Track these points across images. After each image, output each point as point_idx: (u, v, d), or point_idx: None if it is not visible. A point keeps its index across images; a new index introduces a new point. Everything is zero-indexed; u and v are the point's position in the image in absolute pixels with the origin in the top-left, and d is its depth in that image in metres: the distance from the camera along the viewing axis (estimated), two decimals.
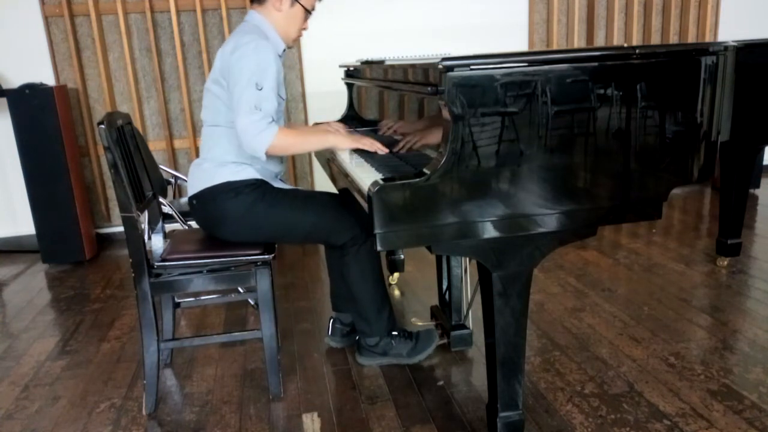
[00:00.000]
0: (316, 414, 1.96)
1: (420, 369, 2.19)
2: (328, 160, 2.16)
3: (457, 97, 1.40)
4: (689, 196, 4.41)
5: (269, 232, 2.05)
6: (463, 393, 2.02)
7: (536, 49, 4.32)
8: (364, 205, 1.48)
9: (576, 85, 1.47)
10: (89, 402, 2.12)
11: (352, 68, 2.73)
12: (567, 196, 1.52)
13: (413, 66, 1.76)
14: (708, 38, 4.47)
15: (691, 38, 4.49)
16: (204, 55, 3.86)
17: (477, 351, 2.28)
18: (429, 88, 1.47)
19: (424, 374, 2.15)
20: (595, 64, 1.48)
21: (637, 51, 1.50)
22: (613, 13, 4.33)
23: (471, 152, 1.43)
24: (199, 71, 3.94)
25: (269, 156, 1.97)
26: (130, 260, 1.92)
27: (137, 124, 3.87)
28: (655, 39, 4.49)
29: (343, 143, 2.02)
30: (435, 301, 2.54)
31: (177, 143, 4.04)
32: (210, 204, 2.04)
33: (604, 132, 1.51)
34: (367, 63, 2.46)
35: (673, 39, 4.49)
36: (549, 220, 1.52)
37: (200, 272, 1.99)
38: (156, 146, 3.96)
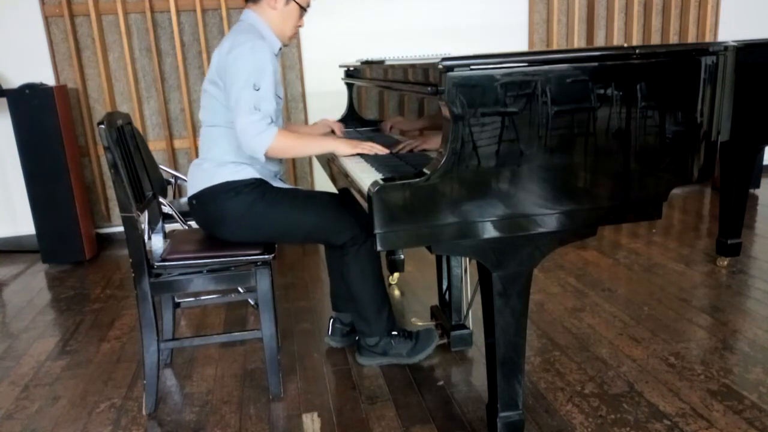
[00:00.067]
0: (316, 414, 1.96)
1: (420, 369, 2.19)
2: (329, 160, 2.15)
3: (457, 97, 1.40)
4: (689, 196, 4.41)
5: (269, 231, 2.05)
6: (463, 393, 2.02)
7: (536, 49, 4.32)
8: (364, 205, 1.48)
9: (576, 85, 1.47)
10: (89, 402, 2.12)
11: (352, 68, 2.73)
12: (567, 196, 1.52)
13: (413, 66, 1.76)
14: (708, 38, 4.47)
15: (691, 38, 4.49)
16: (204, 55, 3.86)
17: (477, 351, 2.28)
18: (429, 88, 1.47)
19: (424, 374, 2.15)
20: (595, 64, 1.48)
21: (637, 51, 1.50)
22: (613, 13, 4.33)
23: (471, 152, 1.43)
24: (199, 71, 3.94)
25: (268, 157, 1.97)
26: (130, 260, 1.92)
27: (137, 124, 3.87)
28: (655, 39, 4.49)
29: (343, 149, 2.01)
30: (435, 301, 2.54)
31: (177, 143, 4.04)
32: (210, 204, 2.04)
33: (604, 132, 1.51)
34: (367, 63, 2.46)
35: (673, 39, 4.50)
36: (549, 220, 1.52)
37: (200, 272, 1.99)
38: (156, 146, 3.96)
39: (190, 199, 2.11)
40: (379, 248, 1.45)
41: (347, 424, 1.89)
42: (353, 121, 2.69)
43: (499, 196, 1.47)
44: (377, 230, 1.42)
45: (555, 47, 4.26)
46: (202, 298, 2.60)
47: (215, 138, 2.05)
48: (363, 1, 4.05)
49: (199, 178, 2.07)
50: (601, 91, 1.49)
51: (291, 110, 4.10)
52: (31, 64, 3.73)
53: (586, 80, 1.47)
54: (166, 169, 3.23)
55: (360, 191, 1.57)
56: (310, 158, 4.18)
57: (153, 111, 4.00)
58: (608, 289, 2.81)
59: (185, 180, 2.62)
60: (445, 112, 1.43)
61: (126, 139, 2.02)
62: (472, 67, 1.40)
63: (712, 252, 3.13)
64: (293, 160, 4.17)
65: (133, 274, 1.93)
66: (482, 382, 1.93)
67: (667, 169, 1.59)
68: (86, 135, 3.91)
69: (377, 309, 2.15)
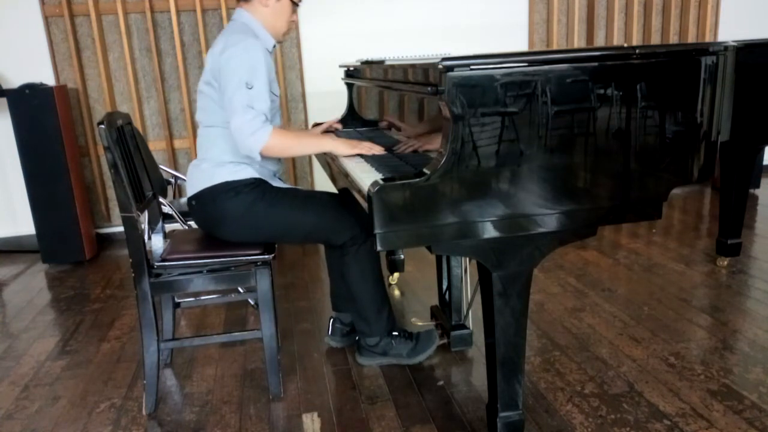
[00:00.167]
0: (316, 414, 1.96)
1: (420, 369, 2.19)
2: (328, 160, 2.15)
3: (457, 97, 1.40)
4: (689, 196, 4.42)
5: (269, 231, 2.05)
6: (463, 393, 2.02)
7: (536, 49, 4.32)
8: (364, 205, 1.48)
9: (576, 85, 1.47)
10: (89, 402, 2.12)
11: (352, 68, 2.73)
12: (567, 196, 1.52)
13: (413, 66, 1.76)
14: (708, 38, 4.47)
15: (691, 38, 4.49)
16: (204, 55, 3.86)
17: (477, 351, 2.28)
18: (429, 88, 1.47)
19: (424, 374, 2.15)
20: (595, 64, 1.48)
21: (637, 51, 1.50)
22: (613, 13, 4.33)
23: (471, 152, 1.43)
24: (199, 71, 3.94)
25: (265, 156, 1.97)
26: (130, 260, 1.92)
27: (137, 124, 3.87)
28: (655, 39, 4.49)
29: (341, 149, 2.00)
30: (435, 301, 2.54)
31: (177, 143, 4.04)
32: (210, 204, 2.04)
33: (604, 132, 1.51)
34: (367, 63, 2.46)
35: (673, 39, 4.49)
36: (549, 220, 1.52)
37: (200, 272, 1.99)
38: (156, 146, 3.96)
39: (190, 199, 2.11)
40: (379, 248, 1.44)
41: (347, 424, 1.89)
42: (353, 121, 2.69)
43: (499, 196, 1.47)
44: (377, 230, 1.42)
45: (555, 47, 4.26)
46: (202, 298, 2.60)
47: (213, 138, 2.05)
48: (363, 1, 4.05)
49: (198, 178, 2.07)
50: (601, 91, 1.49)
51: (291, 110, 4.10)
52: (31, 64, 3.73)
53: (586, 80, 1.47)
54: (166, 169, 3.23)
55: (360, 191, 1.57)
56: (310, 158, 4.18)
57: (153, 111, 4.00)
58: (608, 289, 2.81)
59: (185, 180, 2.62)
60: (445, 112, 1.43)
61: (126, 139, 2.02)
62: (472, 67, 1.40)
63: (712, 252, 3.13)
64: (293, 160, 4.17)
65: (133, 274, 1.93)
66: (482, 382, 1.93)
67: (667, 169, 1.59)
68: (86, 135, 3.91)
69: (377, 309, 2.14)
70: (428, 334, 2.23)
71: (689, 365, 2.11)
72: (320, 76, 4.03)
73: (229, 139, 1.98)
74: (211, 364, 2.33)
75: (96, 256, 3.81)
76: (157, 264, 1.97)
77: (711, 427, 1.76)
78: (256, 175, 2.05)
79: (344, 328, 2.38)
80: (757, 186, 4.39)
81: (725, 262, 3.00)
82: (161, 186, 2.87)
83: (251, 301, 2.82)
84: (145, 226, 2.17)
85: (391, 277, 3.05)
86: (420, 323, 2.44)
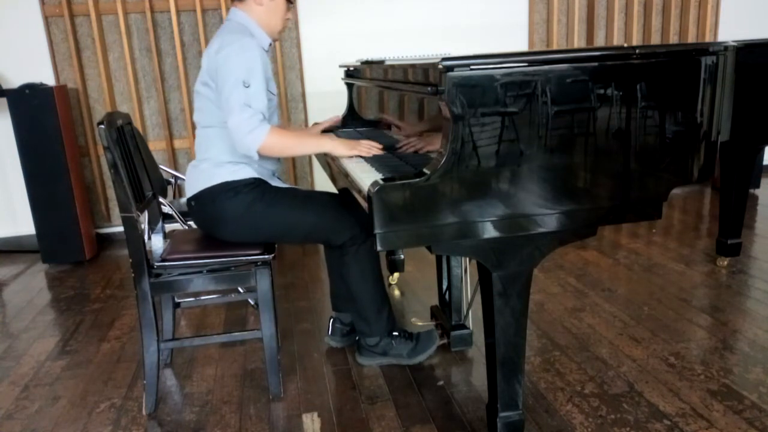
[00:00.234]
0: (316, 414, 1.96)
1: (420, 369, 2.19)
2: (328, 160, 2.15)
3: (457, 97, 1.40)
4: (689, 196, 4.42)
5: (269, 232, 2.05)
6: (463, 393, 2.02)
7: (536, 49, 4.32)
8: (364, 205, 1.48)
9: (576, 85, 1.47)
10: (89, 402, 2.12)
11: (352, 68, 2.73)
12: (567, 196, 1.52)
13: (413, 66, 1.76)
14: (708, 38, 4.47)
15: (691, 38, 4.49)
16: None
17: (477, 351, 2.28)
18: (429, 88, 1.47)
19: (424, 374, 2.15)
20: (595, 64, 1.48)
21: (637, 51, 1.50)
22: (613, 13, 4.33)
23: (471, 152, 1.43)
24: (199, 71, 3.94)
25: (263, 156, 1.97)
26: (130, 260, 1.92)
27: (137, 124, 3.87)
28: (655, 39, 4.49)
29: (339, 150, 2.00)
30: (435, 301, 2.54)
31: (177, 143, 4.04)
32: (209, 205, 2.04)
33: (604, 132, 1.51)
34: (367, 63, 2.46)
35: (673, 39, 4.49)
36: (549, 220, 1.52)
37: (200, 272, 1.99)
38: (156, 146, 3.96)
39: (189, 200, 2.10)
40: (379, 248, 1.45)
41: (347, 424, 1.89)
42: (353, 121, 2.69)
43: (499, 196, 1.47)
44: (377, 230, 1.42)
45: (555, 47, 4.26)
46: (202, 298, 2.60)
47: (211, 139, 2.05)
48: (363, 1, 4.05)
49: (197, 179, 2.07)
50: (601, 91, 1.49)
51: (291, 110, 4.10)
52: (31, 64, 3.73)
53: (586, 80, 1.47)
54: (166, 169, 3.23)
55: (360, 191, 1.57)
56: (309, 158, 4.18)
57: (153, 111, 4.00)
58: (608, 289, 2.81)
59: (185, 180, 2.62)
60: (445, 112, 1.43)
61: (126, 139, 2.02)
62: (472, 67, 1.40)
63: (712, 252, 3.13)
64: (293, 160, 4.17)
65: (133, 274, 1.93)
66: (482, 382, 1.93)
67: (667, 169, 1.59)
68: (86, 135, 3.91)
69: (377, 309, 2.14)
70: (428, 334, 2.23)
71: (689, 365, 2.11)
72: (320, 76, 4.03)
73: (228, 139, 1.98)
74: (211, 364, 2.33)
75: (96, 256, 3.81)
76: (157, 264, 1.97)
77: (711, 427, 1.76)
78: (255, 175, 2.05)
79: (344, 328, 2.38)
80: (757, 186, 4.39)
81: (725, 262, 3.00)
82: (161, 186, 2.87)
83: (251, 301, 2.82)
84: (145, 226, 2.17)
85: (391, 277, 3.05)
86: (420, 323, 2.44)
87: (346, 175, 1.80)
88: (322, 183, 4.02)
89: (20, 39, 3.71)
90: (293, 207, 2.05)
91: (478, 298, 1.68)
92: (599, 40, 4.39)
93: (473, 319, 2.30)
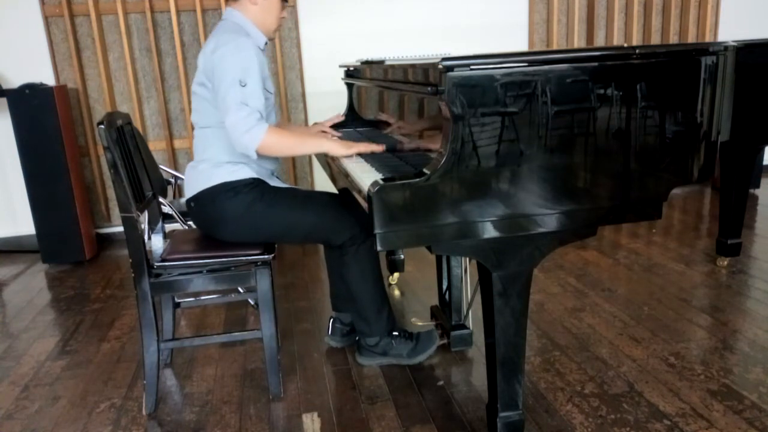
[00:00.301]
0: (316, 414, 1.96)
1: (420, 369, 2.19)
2: (328, 160, 2.15)
3: (457, 97, 1.40)
4: (689, 196, 4.42)
5: (268, 232, 2.05)
6: (463, 393, 2.02)
7: (536, 49, 4.32)
8: (364, 205, 1.48)
9: (576, 85, 1.47)
10: (89, 402, 2.12)
11: (352, 68, 2.73)
12: (567, 196, 1.52)
13: (413, 66, 1.76)
14: (708, 38, 4.47)
15: (691, 38, 4.49)
16: None
17: (477, 351, 2.28)
18: (429, 88, 1.47)
19: (424, 374, 2.15)
20: (595, 64, 1.48)
21: (637, 51, 1.50)
22: (613, 13, 4.33)
23: (471, 152, 1.43)
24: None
25: (261, 155, 1.97)
26: (130, 260, 1.92)
27: (137, 124, 3.87)
28: (655, 39, 4.49)
29: (338, 150, 1.99)
30: (435, 301, 2.54)
31: (177, 143, 4.04)
32: (209, 205, 2.04)
33: (604, 132, 1.51)
34: (367, 63, 2.46)
35: (673, 39, 4.49)
36: (549, 220, 1.52)
37: (200, 272, 1.99)
38: (156, 146, 3.96)
39: (188, 201, 2.10)
40: (379, 248, 1.45)
41: (347, 424, 1.89)
42: (353, 121, 2.69)
43: (499, 196, 1.47)
44: (377, 230, 1.42)
45: (555, 47, 4.26)
46: (202, 298, 2.60)
47: (209, 139, 2.05)
48: (363, 1, 4.05)
49: (196, 180, 2.06)
50: (601, 91, 1.49)
51: (291, 110, 4.10)
52: (31, 64, 3.73)
53: (586, 80, 1.47)
54: (166, 169, 3.23)
55: (360, 191, 1.57)
56: (309, 158, 4.18)
57: (153, 111, 4.00)
58: (608, 289, 2.81)
59: (184, 180, 2.62)
60: (445, 112, 1.43)
61: (126, 139, 2.02)
62: (472, 67, 1.40)
63: (712, 252, 3.13)
64: (293, 160, 4.17)
65: (133, 274, 1.93)
66: (482, 382, 1.93)
67: (667, 169, 1.59)
68: (86, 135, 3.91)
69: (377, 309, 2.14)
70: (428, 334, 2.23)
71: (689, 365, 2.11)
72: (320, 76, 4.03)
73: (226, 140, 1.98)
74: (211, 364, 2.33)
75: (96, 256, 3.81)
76: (157, 264, 1.97)
77: (711, 427, 1.76)
78: (254, 175, 2.05)
79: (344, 328, 2.38)
80: (757, 186, 4.39)
81: (725, 262, 3.00)
82: (161, 186, 2.87)
83: (251, 301, 2.82)
84: (145, 226, 2.17)
85: (391, 277, 3.05)
86: (420, 323, 2.44)
87: (346, 175, 1.80)
88: (322, 183, 4.02)
89: (20, 39, 3.71)
90: (293, 207, 2.05)
91: (478, 298, 1.68)
92: (599, 40, 4.39)
93: (473, 319, 2.30)
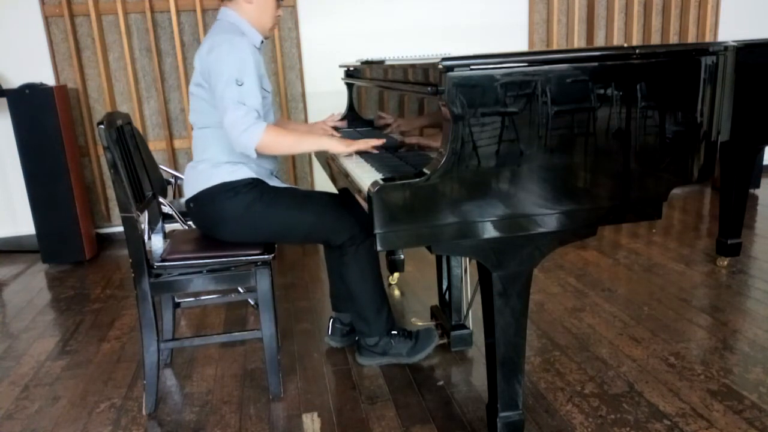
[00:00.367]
0: (316, 414, 1.96)
1: (420, 369, 2.19)
2: (328, 159, 2.15)
3: (457, 97, 1.40)
4: (689, 196, 4.42)
5: (268, 232, 2.05)
6: (463, 393, 2.02)
7: (536, 49, 4.32)
8: (364, 205, 1.48)
9: (576, 85, 1.47)
10: (89, 402, 2.12)
11: (352, 68, 2.73)
12: (567, 196, 1.52)
13: (413, 66, 1.76)
14: (708, 38, 4.47)
15: (691, 38, 4.49)
16: None
17: (477, 351, 2.28)
18: (429, 88, 1.47)
19: (424, 374, 2.15)
20: (595, 64, 1.48)
21: (637, 51, 1.50)
22: (613, 13, 4.33)
23: (471, 152, 1.43)
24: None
25: (260, 154, 1.97)
26: (130, 260, 1.92)
27: (137, 124, 3.87)
28: (655, 39, 4.49)
29: (338, 148, 1.98)
30: (435, 301, 2.54)
31: (177, 143, 4.04)
32: (208, 206, 2.04)
33: (604, 132, 1.51)
34: (367, 63, 2.46)
35: (673, 39, 4.49)
36: (549, 220, 1.52)
37: (200, 272, 1.99)
38: (156, 146, 3.96)
39: (188, 202, 2.10)
40: (379, 248, 1.45)
41: (347, 424, 1.89)
42: (353, 121, 2.69)
43: (499, 196, 1.47)
44: (377, 230, 1.42)
45: (555, 47, 4.26)
46: (202, 298, 2.60)
47: (208, 139, 2.05)
48: (363, 1, 4.05)
49: (195, 180, 2.06)
50: (601, 91, 1.49)
51: (291, 110, 4.10)
52: (31, 64, 3.73)
53: (586, 80, 1.47)
54: (166, 169, 3.22)
55: (360, 191, 1.57)
56: (309, 158, 4.18)
57: (153, 111, 4.00)
58: (608, 289, 2.81)
59: (184, 181, 2.62)
60: (445, 112, 1.43)
61: (126, 139, 2.02)
62: (472, 67, 1.40)
63: (712, 252, 3.13)
64: (293, 160, 4.17)
65: (133, 274, 1.93)
66: (482, 382, 1.93)
67: (667, 169, 1.59)
68: (86, 135, 3.91)
69: (376, 309, 2.14)
70: (427, 332, 2.23)
71: (689, 365, 2.11)
72: (320, 76, 4.03)
73: (225, 140, 1.98)
74: (211, 364, 2.33)
75: (96, 256, 3.81)
76: (157, 264, 1.97)
77: (711, 427, 1.76)
78: (253, 175, 2.05)
79: (344, 328, 2.38)
80: (757, 186, 4.39)
81: (725, 262, 3.00)
82: (161, 186, 2.86)
83: (251, 301, 2.82)
84: (145, 226, 2.17)
85: (391, 277, 3.05)
86: (420, 323, 2.44)
87: (346, 175, 1.80)
88: (322, 183, 4.01)
89: (20, 39, 3.71)
90: (292, 207, 2.05)
91: (478, 298, 1.68)
92: (599, 40, 4.39)
93: (473, 319, 2.30)
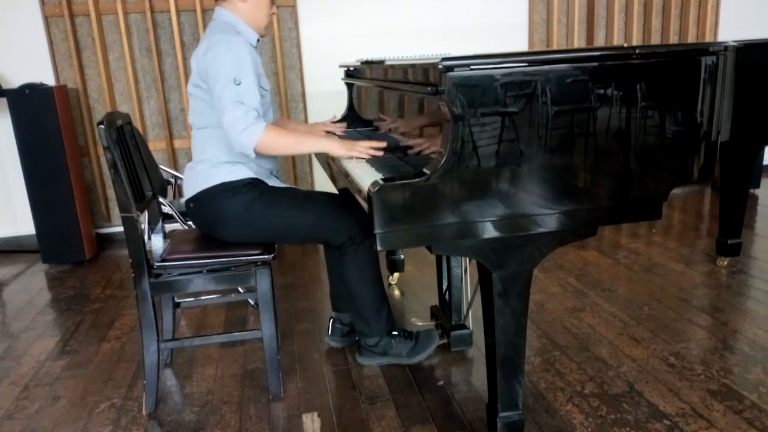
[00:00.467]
0: (316, 414, 1.96)
1: (420, 369, 2.19)
2: (328, 160, 2.15)
3: (457, 97, 1.40)
4: (689, 196, 4.42)
5: (268, 232, 2.05)
6: (463, 393, 2.02)
7: (536, 49, 4.32)
8: (364, 205, 1.48)
9: (576, 85, 1.47)
10: (89, 402, 2.12)
11: (352, 68, 2.73)
12: (567, 196, 1.52)
13: (413, 66, 1.76)
14: (708, 38, 4.47)
15: (691, 38, 4.49)
16: None
17: (477, 351, 2.28)
18: (429, 88, 1.47)
19: (424, 374, 2.15)
20: (595, 64, 1.48)
21: (637, 51, 1.50)
22: (613, 13, 4.33)
23: (471, 152, 1.43)
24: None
25: (259, 154, 1.97)
26: (130, 260, 1.92)
27: (137, 124, 3.87)
28: (655, 39, 4.49)
29: (337, 151, 1.97)
30: (435, 301, 2.54)
31: (177, 143, 4.04)
32: (208, 206, 2.04)
33: (604, 132, 1.51)
34: (367, 63, 2.46)
35: (673, 39, 4.49)
36: (549, 220, 1.52)
37: (200, 272, 1.99)
38: (156, 146, 3.96)
39: (188, 202, 2.10)
40: (379, 248, 1.45)
41: (347, 424, 1.89)
42: (353, 121, 2.69)
43: (499, 196, 1.47)
44: (377, 230, 1.42)
45: (555, 47, 4.26)
46: (202, 298, 2.60)
47: (207, 139, 2.05)
48: (363, 1, 4.05)
49: (195, 180, 2.06)
50: (601, 91, 1.49)
51: (291, 110, 4.10)
52: (31, 64, 3.73)
53: (586, 80, 1.47)
54: (166, 169, 3.22)
55: (360, 191, 1.57)
56: (309, 158, 4.18)
57: (153, 111, 4.00)
58: (608, 289, 2.81)
59: (183, 181, 2.62)
60: (445, 112, 1.43)
61: (126, 139, 2.03)
62: (472, 67, 1.40)
63: (712, 252, 3.13)
64: (293, 160, 4.17)
65: (133, 274, 1.93)
66: (482, 382, 1.93)
67: (667, 169, 1.59)
68: (86, 135, 3.91)
69: (376, 309, 2.14)
70: (428, 333, 2.23)
71: (689, 365, 2.11)
72: (320, 76, 4.03)
73: (223, 140, 1.98)
74: (211, 364, 2.33)
75: (96, 256, 3.81)
76: (157, 264, 1.97)
77: (711, 427, 1.76)
78: (253, 175, 2.05)
79: (344, 328, 2.38)
80: (757, 186, 4.39)
81: (725, 262, 3.00)
82: (161, 186, 2.86)
83: (251, 301, 2.82)
84: (145, 226, 2.17)
85: (391, 277, 3.05)
86: (420, 323, 2.44)
87: (346, 175, 1.80)
88: (322, 183, 4.01)
89: (20, 39, 3.71)
90: (292, 207, 2.05)
91: (478, 298, 1.68)
92: (599, 40, 4.39)
93: (473, 319, 2.30)
